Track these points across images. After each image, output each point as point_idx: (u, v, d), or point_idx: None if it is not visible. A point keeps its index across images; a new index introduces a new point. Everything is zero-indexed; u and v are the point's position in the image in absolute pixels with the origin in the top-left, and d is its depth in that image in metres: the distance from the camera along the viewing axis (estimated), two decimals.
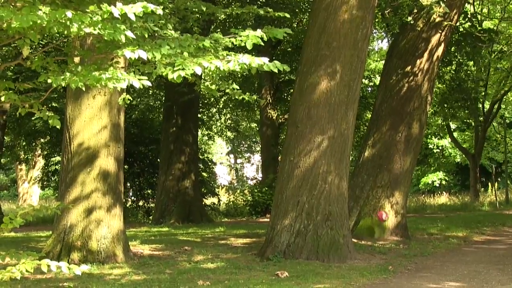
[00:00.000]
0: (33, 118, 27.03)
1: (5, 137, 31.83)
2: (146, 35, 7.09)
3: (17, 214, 7.16)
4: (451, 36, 20.60)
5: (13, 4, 6.41)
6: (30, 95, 12.18)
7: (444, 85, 31.57)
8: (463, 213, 30.26)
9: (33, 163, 43.90)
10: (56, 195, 24.20)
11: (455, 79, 30.80)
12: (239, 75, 32.40)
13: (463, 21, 23.75)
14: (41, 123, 27.78)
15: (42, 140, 34.44)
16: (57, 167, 32.22)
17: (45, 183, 36.15)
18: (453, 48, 25.31)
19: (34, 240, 18.30)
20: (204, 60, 6.77)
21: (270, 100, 32.73)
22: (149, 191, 33.60)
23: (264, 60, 6.96)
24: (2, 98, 7.71)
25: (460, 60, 28.21)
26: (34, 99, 8.06)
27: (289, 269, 11.90)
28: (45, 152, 35.17)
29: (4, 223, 7.07)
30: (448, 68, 29.50)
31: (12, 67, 26.63)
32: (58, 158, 31.18)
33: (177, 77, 6.66)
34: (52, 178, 34.57)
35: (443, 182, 49.19)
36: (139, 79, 6.64)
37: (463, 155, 43.82)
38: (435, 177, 48.99)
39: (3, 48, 25.00)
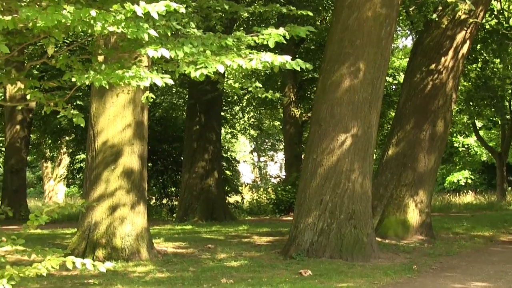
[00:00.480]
0: (58, 116, 27.24)
1: (31, 135, 32.08)
2: (169, 34, 7.11)
3: (43, 211, 7.22)
4: (477, 33, 20.45)
5: (38, 3, 6.47)
6: (55, 93, 12.27)
7: (470, 83, 31.36)
8: (489, 212, 30.03)
9: (59, 161, 44.23)
10: (81, 192, 24.44)
11: (481, 77, 30.58)
12: (262, 74, 32.39)
13: (489, 18, 23.59)
14: (66, 121, 27.98)
15: (67, 138, 34.67)
16: (82, 164, 32.43)
17: (70, 180, 36.38)
18: (479, 45, 25.14)
19: (60, 237, 18.45)
20: (227, 59, 6.78)
21: (294, 99, 32.67)
22: (172, 189, 33.68)
23: (287, 58, 6.96)
24: (28, 97, 7.78)
25: (486, 58, 27.98)
26: (59, 97, 8.13)
27: (313, 268, 11.90)
28: (70, 150, 35.40)
29: (30, 220, 7.13)
30: (473, 66, 29.29)
31: (37, 66, 26.85)
32: (83, 156, 31.37)
33: (199, 75, 6.68)
34: (77, 176, 34.78)
35: (469, 181, 48.84)
36: (162, 78, 6.67)
37: (489, 154, 43.49)
38: (461, 176, 48.67)
39: (29, 47, 25.22)
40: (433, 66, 18.07)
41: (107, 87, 7.11)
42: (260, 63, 6.87)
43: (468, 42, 18.23)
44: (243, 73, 31.04)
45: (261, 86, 9.34)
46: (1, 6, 6.19)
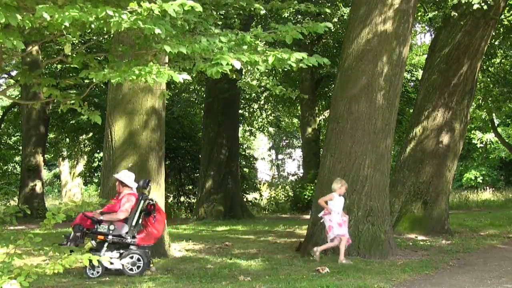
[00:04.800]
0: (77, 115, 27.33)
1: (48, 134, 32.19)
2: (187, 27, 7.09)
3: (60, 210, 7.24)
4: (495, 29, 20.33)
5: (53, 1, 6.48)
6: (72, 92, 12.29)
7: (488, 79, 31.15)
8: (507, 209, 29.85)
9: (77, 159, 44.38)
10: (99, 191, 24.55)
11: (500, 72, 30.37)
12: (280, 71, 32.40)
13: (507, 14, 23.42)
14: (84, 120, 28.07)
15: (85, 136, 34.79)
16: (100, 163, 32.52)
17: (87, 179, 36.50)
18: (497, 41, 24.98)
19: None
20: (243, 55, 6.75)
21: (311, 96, 32.62)
22: (190, 187, 33.72)
23: (303, 55, 6.92)
24: (43, 95, 7.79)
25: (506, 53, 27.81)
26: (76, 95, 8.13)
27: (330, 265, 11.84)
28: (88, 148, 35.51)
29: (47, 219, 7.16)
30: (492, 61, 29.11)
31: (55, 64, 26.96)
32: (101, 155, 31.49)
33: (215, 73, 6.66)
34: (95, 174, 34.89)
35: (487, 178, 48.54)
36: (179, 73, 6.65)
37: (507, 150, 43.24)
38: (478, 173, 48.39)
39: (46, 44, 25.33)
40: (451, 62, 17.98)
41: (124, 84, 7.11)
42: (278, 60, 6.84)
43: (486, 38, 18.12)
44: (261, 71, 31.07)
45: (278, 83, 9.32)
46: (17, 3, 6.19)
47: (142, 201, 11.65)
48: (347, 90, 14.07)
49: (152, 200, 11.88)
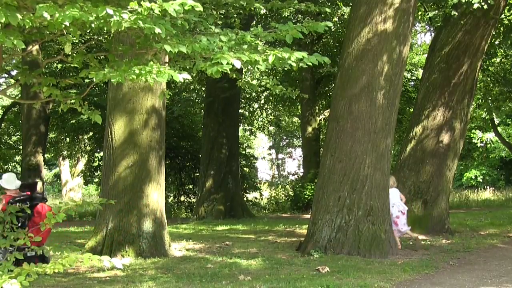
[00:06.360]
0: (76, 115, 27.30)
1: (49, 133, 32.15)
2: (187, 26, 7.09)
3: (60, 209, 7.24)
4: (496, 28, 20.31)
5: (53, 1, 6.47)
6: (72, 92, 12.27)
7: (488, 78, 31.12)
8: (507, 208, 29.82)
9: (77, 159, 44.36)
10: (99, 190, 24.49)
11: (500, 72, 30.35)
12: (280, 70, 32.37)
13: (508, 13, 23.42)
14: (84, 119, 28.05)
15: (85, 136, 34.77)
16: (100, 162, 32.51)
17: (88, 178, 36.49)
18: (497, 40, 24.98)
19: (78, 235, 18.49)
20: (243, 55, 6.74)
21: (311, 96, 32.58)
22: (190, 186, 33.70)
23: (304, 54, 6.90)
24: (43, 94, 7.78)
25: (506, 52, 27.79)
26: (76, 95, 8.13)
27: (330, 264, 11.85)
28: (88, 148, 35.49)
29: (47, 218, 7.15)
30: (492, 60, 29.10)
31: (56, 64, 26.93)
32: (101, 154, 31.49)
33: (215, 72, 6.65)
34: (96, 174, 34.88)
35: (487, 178, 48.48)
36: (179, 73, 6.64)
37: (508, 150, 43.19)
38: (479, 172, 48.34)
39: (46, 44, 25.31)
40: (451, 62, 17.97)
41: (124, 83, 7.11)
42: (278, 60, 6.83)
43: (486, 37, 18.10)
44: (261, 70, 31.05)
45: (279, 83, 9.31)
46: (18, 3, 6.19)
47: (12, 204, 11.43)
48: (347, 90, 14.06)
49: (28, 202, 11.59)
